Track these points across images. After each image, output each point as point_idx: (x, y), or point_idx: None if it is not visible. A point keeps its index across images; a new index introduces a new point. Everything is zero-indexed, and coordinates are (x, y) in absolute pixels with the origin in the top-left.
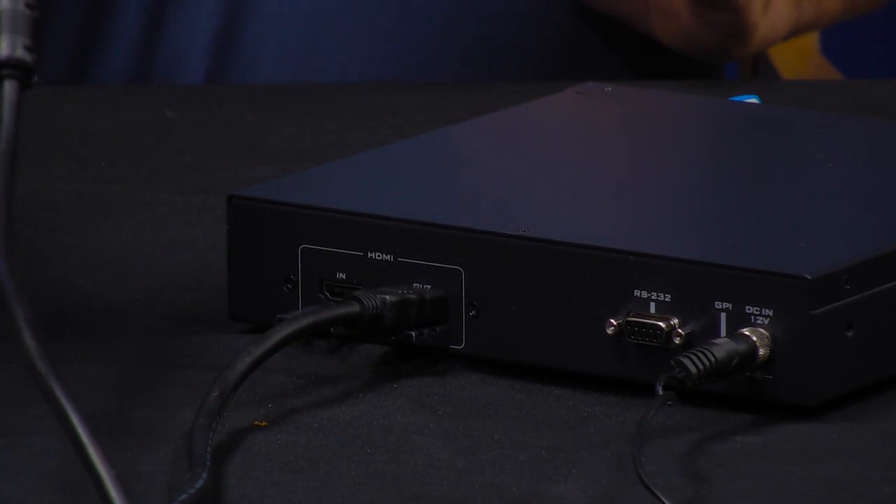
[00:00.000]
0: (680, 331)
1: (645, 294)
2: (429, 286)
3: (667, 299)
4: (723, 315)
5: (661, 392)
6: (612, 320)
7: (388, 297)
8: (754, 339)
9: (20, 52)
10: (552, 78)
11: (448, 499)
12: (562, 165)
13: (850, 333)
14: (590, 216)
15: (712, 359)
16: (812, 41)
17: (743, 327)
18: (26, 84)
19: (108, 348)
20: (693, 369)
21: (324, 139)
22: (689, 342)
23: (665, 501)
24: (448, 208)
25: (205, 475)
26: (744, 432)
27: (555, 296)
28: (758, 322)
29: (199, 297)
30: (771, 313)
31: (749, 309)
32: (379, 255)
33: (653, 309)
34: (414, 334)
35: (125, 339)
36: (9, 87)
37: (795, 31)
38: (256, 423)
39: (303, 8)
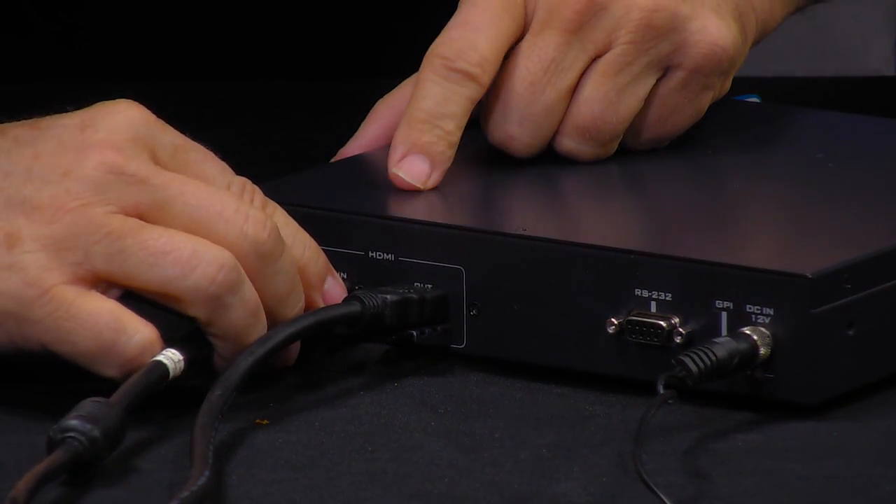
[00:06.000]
0: (681, 330)
1: (646, 293)
2: (430, 285)
3: (668, 298)
4: (723, 314)
5: (661, 391)
6: (612, 319)
7: (389, 296)
8: (755, 337)
9: None
10: None
11: (449, 497)
12: (562, 165)
13: (850, 332)
14: (590, 215)
15: (713, 358)
16: None
17: (744, 326)
18: None
19: None
20: (694, 368)
21: (324, 139)
22: (689, 341)
23: (665, 500)
24: (449, 208)
25: (207, 473)
26: (744, 431)
27: (555, 295)
28: (758, 321)
29: None
30: (771, 312)
31: (750, 308)
32: (380, 255)
33: (654, 308)
34: (415, 333)
35: None
36: None
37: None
38: (258, 421)
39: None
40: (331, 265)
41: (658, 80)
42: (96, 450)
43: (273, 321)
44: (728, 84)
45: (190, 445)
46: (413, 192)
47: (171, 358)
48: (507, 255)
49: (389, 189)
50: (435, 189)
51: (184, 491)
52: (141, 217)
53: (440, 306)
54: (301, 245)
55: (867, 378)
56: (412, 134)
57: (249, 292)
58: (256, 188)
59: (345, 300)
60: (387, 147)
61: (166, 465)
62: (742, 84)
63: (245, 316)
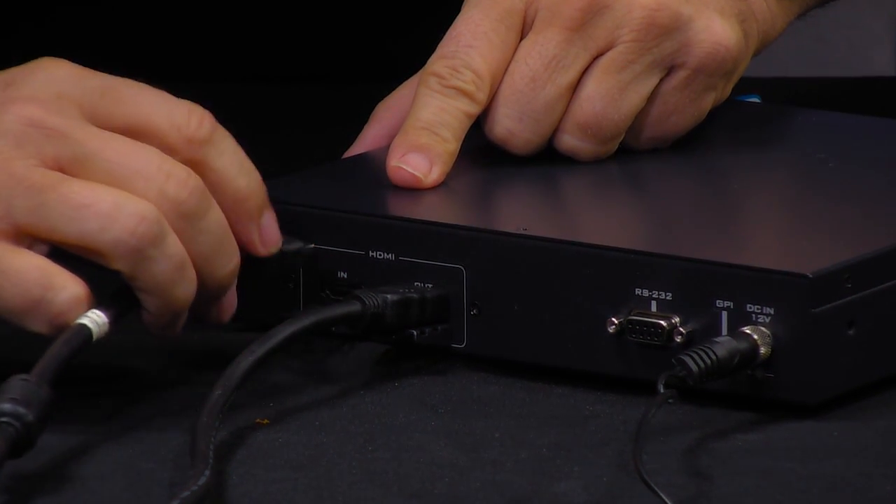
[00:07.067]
0: (681, 329)
1: (646, 293)
2: (430, 285)
3: (668, 298)
4: (724, 313)
5: (662, 390)
6: (613, 319)
7: (389, 296)
8: (755, 337)
9: None
10: None
11: (449, 496)
12: (563, 164)
13: (850, 332)
14: (591, 215)
15: (713, 357)
16: None
17: (744, 326)
18: None
19: (110, 346)
20: (694, 368)
21: (324, 138)
22: (690, 341)
23: (666, 499)
24: (449, 207)
25: (207, 472)
26: (745, 430)
27: (556, 295)
28: (759, 320)
29: None
30: (772, 312)
31: (750, 307)
32: (380, 254)
33: (654, 307)
34: (415, 333)
35: (127, 337)
36: None
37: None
38: (258, 421)
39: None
40: (269, 202)
41: (661, 80)
42: (31, 434)
43: (201, 280)
44: (729, 89)
45: (190, 445)
46: (413, 192)
47: (95, 320)
48: (507, 255)
49: (390, 189)
50: (435, 188)
51: (184, 490)
52: (63, 171)
53: (440, 306)
54: (246, 175)
55: (867, 378)
56: (409, 139)
57: (174, 246)
58: (206, 113)
59: (345, 300)
60: (388, 147)
61: (166, 465)
62: (743, 84)
63: (169, 269)
